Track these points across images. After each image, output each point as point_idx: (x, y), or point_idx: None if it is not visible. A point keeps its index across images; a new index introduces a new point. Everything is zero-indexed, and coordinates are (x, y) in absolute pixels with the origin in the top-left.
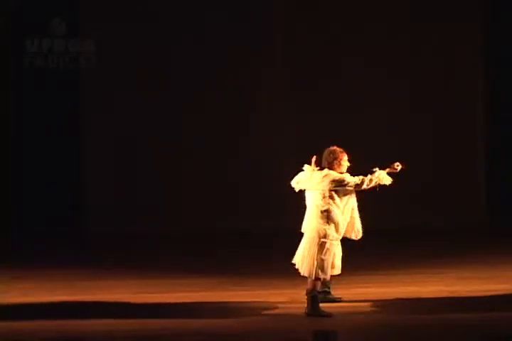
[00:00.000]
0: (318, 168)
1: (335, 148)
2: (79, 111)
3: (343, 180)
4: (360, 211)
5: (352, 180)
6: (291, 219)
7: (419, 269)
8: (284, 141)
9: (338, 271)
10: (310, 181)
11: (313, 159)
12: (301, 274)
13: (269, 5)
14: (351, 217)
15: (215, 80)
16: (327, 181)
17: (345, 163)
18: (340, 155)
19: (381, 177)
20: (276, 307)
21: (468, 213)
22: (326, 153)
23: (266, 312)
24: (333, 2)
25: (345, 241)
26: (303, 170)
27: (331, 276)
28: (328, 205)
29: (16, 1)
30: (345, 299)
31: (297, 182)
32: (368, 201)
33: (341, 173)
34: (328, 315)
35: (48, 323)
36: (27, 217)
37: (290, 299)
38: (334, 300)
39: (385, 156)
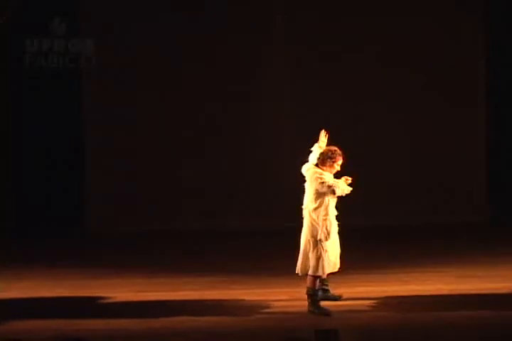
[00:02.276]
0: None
1: (336, 148)
2: (79, 111)
3: (322, 178)
4: (360, 210)
5: (328, 180)
6: (291, 218)
7: (419, 268)
8: (284, 140)
9: (335, 268)
10: (306, 175)
11: (323, 133)
12: (296, 272)
13: (269, 4)
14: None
15: (216, 79)
16: (317, 183)
17: (337, 167)
18: (337, 157)
19: (342, 188)
20: (277, 306)
21: (469, 213)
22: (325, 149)
23: (266, 310)
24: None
25: (346, 240)
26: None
27: (328, 274)
28: (319, 204)
29: (15, 1)
30: (345, 297)
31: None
32: (368, 200)
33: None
34: (328, 314)
35: (48, 322)
36: (27, 216)
37: (290, 297)
38: (334, 299)
39: (385, 156)
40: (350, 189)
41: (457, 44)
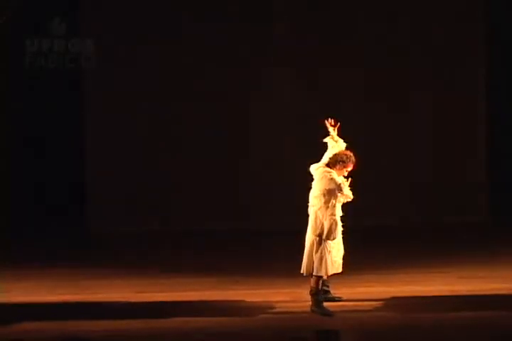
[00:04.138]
0: (336, 129)
1: (351, 154)
2: (79, 111)
3: (332, 175)
4: (360, 210)
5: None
6: (292, 218)
7: (419, 268)
8: (284, 140)
9: (338, 269)
10: (315, 174)
11: (328, 123)
12: (301, 271)
13: (269, 4)
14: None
15: (216, 79)
16: (326, 179)
17: (345, 173)
18: (349, 164)
19: (347, 193)
20: (278, 306)
21: (468, 213)
22: (341, 152)
23: (267, 311)
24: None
25: (346, 241)
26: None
27: (331, 275)
28: (326, 202)
29: (15, 1)
30: (346, 298)
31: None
32: (368, 200)
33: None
34: (329, 314)
35: (48, 323)
36: (27, 216)
37: (291, 298)
38: (333, 300)
39: (385, 156)
40: (352, 197)
41: (457, 44)
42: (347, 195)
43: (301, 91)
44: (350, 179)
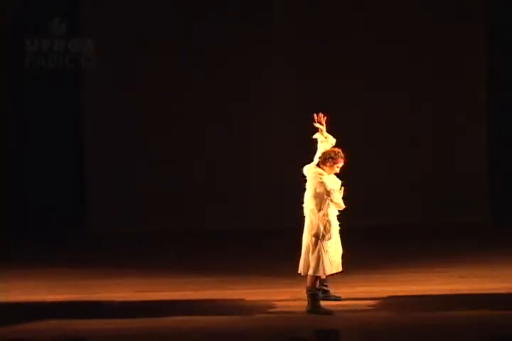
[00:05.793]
0: (324, 125)
1: (339, 150)
2: (79, 111)
3: (322, 178)
4: (360, 210)
5: (327, 184)
6: (292, 218)
7: (419, 268)
8: (284, 140)
9: (338, 268)
10: (307, 174)
11: (316, 117)
12: (298, 271)
13: (269, 5)
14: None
15: (216, 79)
16: (316, 181)
17: (336, 169)
18: (339, 159)
19: (337, 201)
20: (278, 306)
21: (468, 213)
22: (329, 149)
23: (267, 310)
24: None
25: (346, 240)
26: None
27: (332, 274)
28: (318, 203)
29: (15, 1)
30: (345, 297)
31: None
32: (368, 199)
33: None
34: (328, 313)
35: (48, 323)
36: (27, 216)
37: (291, 297)
38: (334, 299)
39: (385, 156)
40: (344, 207)
41: (457, 44)
42: (337, 203)
43: (301, 91)
44: (342, 188)
